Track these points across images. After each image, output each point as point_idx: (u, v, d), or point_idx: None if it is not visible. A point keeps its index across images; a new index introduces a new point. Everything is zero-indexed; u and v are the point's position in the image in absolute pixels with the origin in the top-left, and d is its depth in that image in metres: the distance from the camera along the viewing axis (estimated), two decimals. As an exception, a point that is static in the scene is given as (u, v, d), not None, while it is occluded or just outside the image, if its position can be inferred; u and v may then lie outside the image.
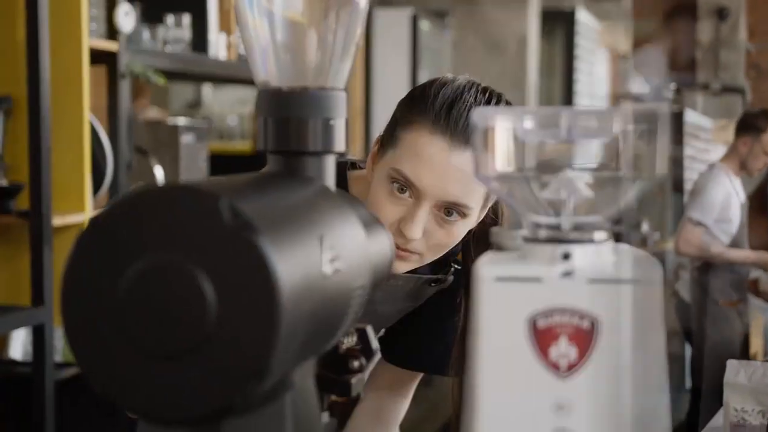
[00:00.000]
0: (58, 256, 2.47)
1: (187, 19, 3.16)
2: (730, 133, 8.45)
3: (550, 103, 7.80)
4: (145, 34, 3.02)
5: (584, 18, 7.87)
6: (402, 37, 5.76)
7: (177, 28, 3.12)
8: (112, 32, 2.74)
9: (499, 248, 0.76)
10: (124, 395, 0.62)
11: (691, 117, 7.37)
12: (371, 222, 0.85)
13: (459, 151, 1.22)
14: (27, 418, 2.44)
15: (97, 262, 0.62)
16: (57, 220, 2.46)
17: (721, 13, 9.38)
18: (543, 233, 0.70)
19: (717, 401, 1.87)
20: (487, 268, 0.68)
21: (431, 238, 1.25)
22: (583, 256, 0.68)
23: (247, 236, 0.60)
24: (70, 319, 0.63)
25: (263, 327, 0.59)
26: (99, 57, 2.71)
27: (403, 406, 1.55)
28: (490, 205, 1.33)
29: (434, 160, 1.22)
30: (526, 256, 0.71)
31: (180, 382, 0.60)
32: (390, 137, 1.27)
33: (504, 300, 0.68)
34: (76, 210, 2.56)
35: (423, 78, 6.63)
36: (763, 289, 4.79)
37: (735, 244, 4.34)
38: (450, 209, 1.24)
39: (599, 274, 0.67)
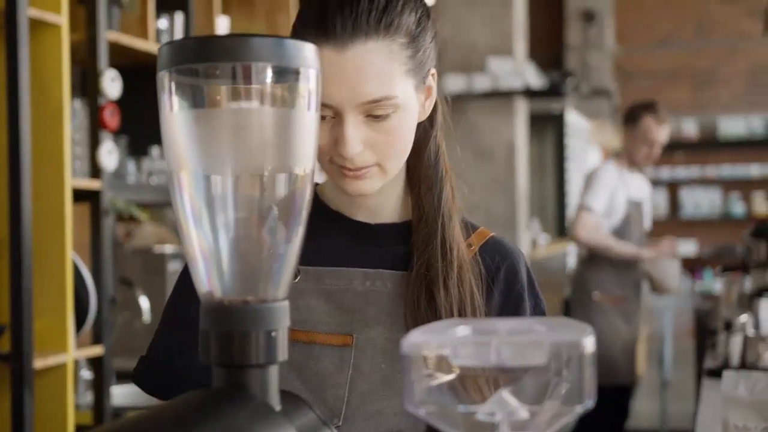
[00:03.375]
0: (40, 400, 2.46)
1: (171, 149, 3.19)
2: (605, 134, 8.56)
3: (542, 206, 7.84)
4: (131, 166, 3.06)
5: (573, 119, 7.97)
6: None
7: (162, 160, 3.16)
8: (95, 169, 2.78)
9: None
10: None
11: (571, 117, 7.47)
12: (316, 428, 0.84)
13: (353, 47, 1.14)
14: None
15: None
16: (39, 363, 2.45)
17: (588, 16, 9.53)
18: (479, 458, 0.70)
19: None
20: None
21: (376, 145, 1.17)
22: (518, 483, 0.68)
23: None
24: None
25: None
26: (82, 194, 2.74)
27: None
28: (428, 84, 1.24)
29: (331, 71, 1.13)
30: (463, 481, 0.70)
31: None
32: None
33: None
34: (59, 350, 2.55)
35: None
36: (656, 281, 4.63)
37: (617, 238, 4.38)
38: (376, 108, 1.15)
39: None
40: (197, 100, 0.80)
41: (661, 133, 4.35)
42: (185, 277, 1.30)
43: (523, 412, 0.70)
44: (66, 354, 2.56)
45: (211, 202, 0.79)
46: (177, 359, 1.25)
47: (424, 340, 0.71)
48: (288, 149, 0.80)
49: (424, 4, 1.23)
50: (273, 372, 0.80)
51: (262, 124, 0.80)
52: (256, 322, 0.79)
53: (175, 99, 0.79)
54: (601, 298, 4.35)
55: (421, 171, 1.27)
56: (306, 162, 0.81)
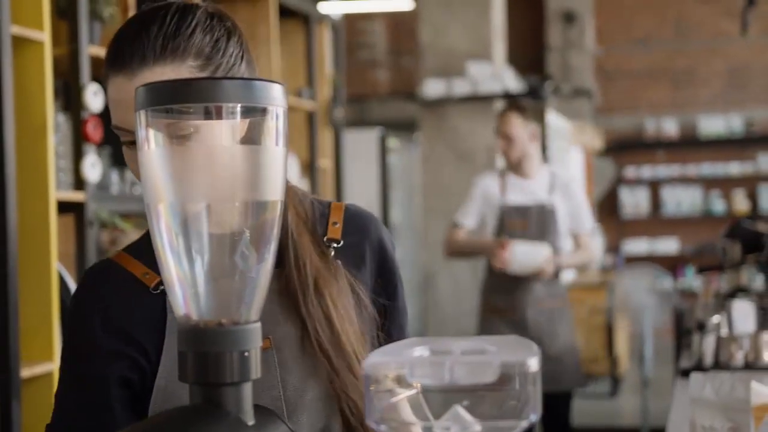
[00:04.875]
0: (27, 409, 2.51)
1: (154, 159, 3.24)
2: (586, 135, 8.59)
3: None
4: (114, 177, 3.11)
5: (554, 120, 8.03)
6: (371, 156, 5.94)
7: (144, 170, 3.20)
8: (79, 181, 2.83)
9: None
10: None
11: (551, 119, 7.54)
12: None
13: (141, 74, 1.17)
14: None
15: None
16: (25, 372, 2.50)
17: (569, 17, 9.62)
18: (435, 469, 0.76)
19: None
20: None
21: None
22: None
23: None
24: None
25: None
26: (67, 206, 2.79)
27: None
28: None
29: (121, 97, 1.17)
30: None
31: None
32: None
33: None
34: (45, 359, 2.61)
35: (393, 194, 6.75)
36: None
37: None
38: None
39: None
40: (173, 138, 0.87)
41: (504, 125, 4.13)
42: (73, 331, 1.31)
43: (476, 426, 0.76)
44: (52, 363, 2.62)
45: (187, 231, 0.85)
46: (86, 422, 1.27)
47: (383, 361, 0.77)
48: (258, 181, 0.86)
49: (227, 26, 1.24)
50: (247, 389, 0.86)
51: (234, 159, 0.86)
52: (230, 343, 0.85)
53: (152, 137, 0.85)
54: (484, 310, 4.22)
55: None
56: (275, 191, 0.87)
